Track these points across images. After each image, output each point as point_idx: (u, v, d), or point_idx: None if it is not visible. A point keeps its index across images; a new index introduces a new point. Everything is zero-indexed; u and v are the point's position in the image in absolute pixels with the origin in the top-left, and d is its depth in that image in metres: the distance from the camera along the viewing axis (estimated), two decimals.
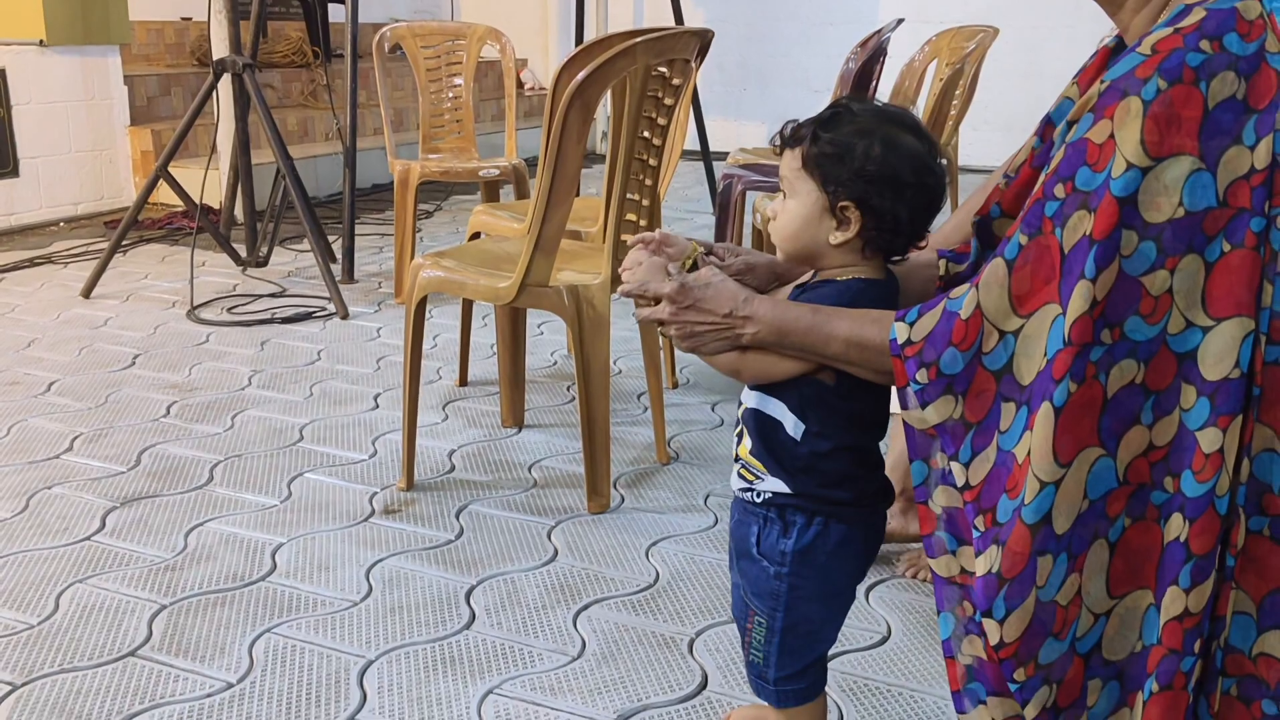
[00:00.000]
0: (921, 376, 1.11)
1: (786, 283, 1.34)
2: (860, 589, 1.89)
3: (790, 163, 1.22)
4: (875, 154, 1.17)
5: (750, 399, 1.27)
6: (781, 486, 1.25)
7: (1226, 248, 1.02)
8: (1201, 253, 1.02)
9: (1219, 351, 1.03)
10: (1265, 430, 1.06)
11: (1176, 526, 1.05)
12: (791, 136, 1.22)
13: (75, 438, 2.58)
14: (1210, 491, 1.03)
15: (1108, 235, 1.01)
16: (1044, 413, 1.04)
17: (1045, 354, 1.06)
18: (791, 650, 1.30)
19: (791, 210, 1.23)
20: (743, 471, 1.29)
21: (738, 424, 1.30)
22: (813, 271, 1.27)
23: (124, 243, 4.18)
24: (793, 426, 1.23)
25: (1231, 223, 1.02)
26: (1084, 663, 1.10)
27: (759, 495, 1.27)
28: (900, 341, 1.13)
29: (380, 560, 2.04)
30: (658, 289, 1.25)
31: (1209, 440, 1.03)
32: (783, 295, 1.30)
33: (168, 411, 2.76)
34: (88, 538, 2.11)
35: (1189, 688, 1.07)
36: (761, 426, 1.26)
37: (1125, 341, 1.04)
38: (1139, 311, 1.03)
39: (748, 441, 1.28)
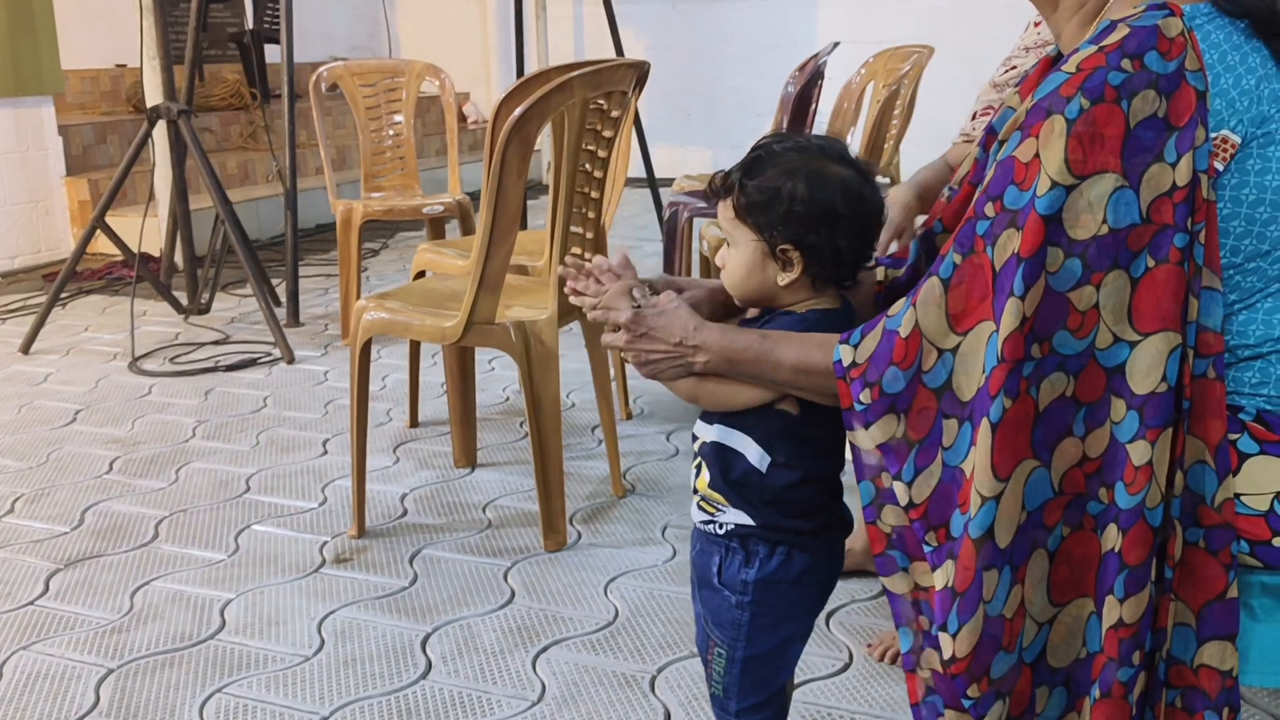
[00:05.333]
0: (865, 397, 1.12)
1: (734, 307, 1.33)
2: (820, 616, 1.88)
3: (725, 213, 1.23)
4: (802, 193, 1.17)
5: (710, 432, 1.26)
6: (744, 519, 1.24)
7: (1151, 263, 1.04)
8: (1127, 268, 1.03)
9: (1146, 365, 1.04)
10: (1196, 442, 1.07)
11: (1112, 537, 1.07)
12: (722, 186, 1.23)
13: (16, 499, 2.52)
14: (1141, 503, 1.04)
15: (1034, 252, 1.02)
16: (983, 430, 1.05)
17: (983, 370, 1.07)
18: (753, 680, 1.29)
19: (735, 259, 1.23)
20: (703, 505, 1.27)
21: (695, 456, 1.29)
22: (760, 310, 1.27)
23: (63, 295, 4.11)
24: (758, 459, 1.22)
25: (1155, 239, 1.03)
26: (1031, 671, 1.11)
27: (721, 527, 1.26)
28: (845, 364, 1.13)
29: (332, 612, 2.00)
30: (616, 317, 1.25)
31: (1139, 453, 1.04)
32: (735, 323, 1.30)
33: (110, 468, 2.70)
34: (31, 602, 2.05)
35: (1129, 697, 1.08)
36: (722, 459, 1.25)
37: (1054, 355, 1.05)
38: (1067, 326, 1.04)
39: (706, 474, 1.26)
